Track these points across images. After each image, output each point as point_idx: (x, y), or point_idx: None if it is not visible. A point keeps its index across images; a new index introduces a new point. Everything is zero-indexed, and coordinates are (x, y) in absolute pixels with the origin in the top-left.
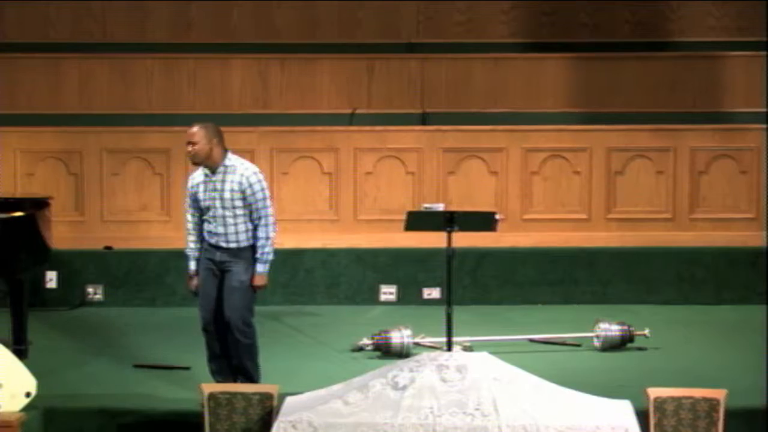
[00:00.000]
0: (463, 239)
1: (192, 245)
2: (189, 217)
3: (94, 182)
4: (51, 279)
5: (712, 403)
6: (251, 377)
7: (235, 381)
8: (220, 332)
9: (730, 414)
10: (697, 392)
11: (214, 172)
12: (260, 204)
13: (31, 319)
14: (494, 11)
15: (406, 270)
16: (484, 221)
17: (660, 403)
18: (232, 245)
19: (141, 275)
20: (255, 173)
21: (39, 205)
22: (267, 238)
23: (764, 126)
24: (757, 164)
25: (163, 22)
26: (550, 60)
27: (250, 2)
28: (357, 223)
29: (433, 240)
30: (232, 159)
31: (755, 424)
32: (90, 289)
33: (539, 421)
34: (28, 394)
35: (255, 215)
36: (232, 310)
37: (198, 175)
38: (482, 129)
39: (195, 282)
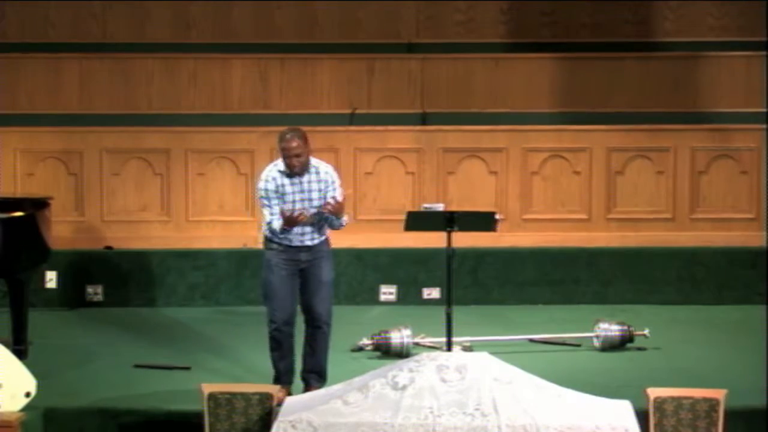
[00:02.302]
0: (463, 239)
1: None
2: (274, 210)
3: (94, 182)
4: (51, 279)
5: (712, 403)
6: (325, 376)
7: (306, 382)
8: (292, 332)
9: (730, 414)
10: (697, 392)
11: (300, 174)
12: (338, 191)
13: (31, 319)
14: (494, 11)
15: (406, 270)
16: (484, 221)
17: (660, 403)
18: (316, 241)
19: (141, 275)
20: (334, 169)
21: (39, 205)
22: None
23: (764, 126)
24: (757, 164)
25: (163, 22)
26: (550, 60)
27: (250, 2)
28: (357, 223)
29: (433, 240)
30: (313, 161)
31: (755, 424)
32: (90, 289)
33: (539, 421)
34: (28, 394)
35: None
36: (321, 304)
37: (277, 174)
38: (482, 129)
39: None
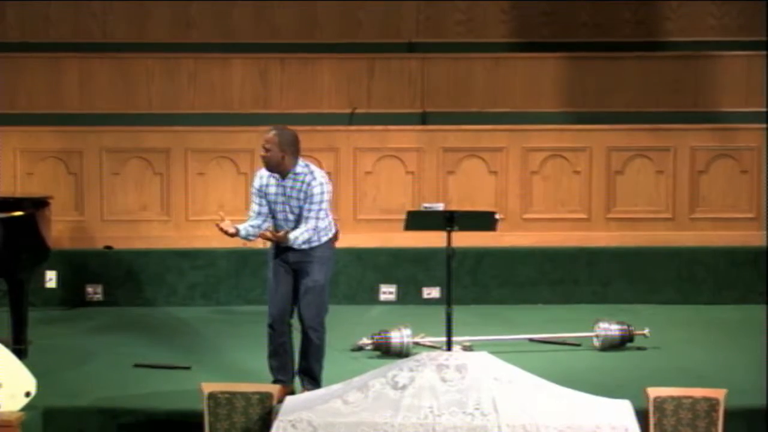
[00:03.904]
0: (463, 239)
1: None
2: (255, 207)
3: (94, 182)
4: (51, 279)
5: (712, 403)
6: (317, 380)
7: (302, 383)
8: (286, 330)
9: (730, 414)
10: (697, 392)
11: (283, 177)
12: (314, 207)
13: (31, 318)
14: (494, 11)
15: (406, 270)
16: (484, 221)
17: (660, 402)
18: (305, 246)
19: (141, 275)
20: (321, 184)
21: (39, 204)
22: (304, 231)
23: (764, 126)
24: (757, 164)
25: (163, 22)
26: (550, 59)
27: (250, 2)
28: (357, 222)
29: (433, 240)
30: (302, 167)
31: (755, 424)
32: (90, 289)
33: (539, 420)
34: (27, 394)
35: (304, 214)
36: (306, 308)
37: (265, 173)
38: (482, 129)
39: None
